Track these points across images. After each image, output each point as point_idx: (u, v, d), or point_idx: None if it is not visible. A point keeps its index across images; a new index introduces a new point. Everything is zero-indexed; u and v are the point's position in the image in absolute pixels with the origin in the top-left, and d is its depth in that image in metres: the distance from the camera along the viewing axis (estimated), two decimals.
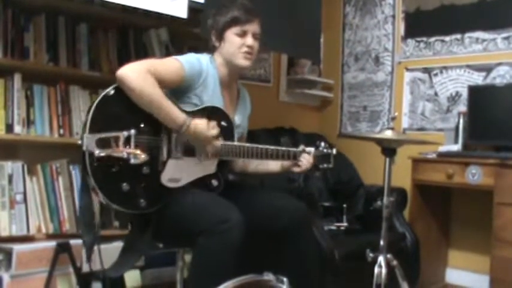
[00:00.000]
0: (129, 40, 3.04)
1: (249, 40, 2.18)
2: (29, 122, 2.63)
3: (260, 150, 2.20)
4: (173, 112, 1.98)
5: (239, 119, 2.32)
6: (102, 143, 1.86)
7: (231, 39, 2.17)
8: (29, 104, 2.64)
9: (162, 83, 2.00)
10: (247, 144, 2.21)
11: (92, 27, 2.88)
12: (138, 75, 1.92)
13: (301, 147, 2.31)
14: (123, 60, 2.82)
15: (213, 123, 2.07)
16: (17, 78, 2.58)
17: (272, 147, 2.24)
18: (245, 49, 2.17)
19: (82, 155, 1.87)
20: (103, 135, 1.87)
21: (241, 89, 2.40)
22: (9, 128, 2.56)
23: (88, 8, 2.76)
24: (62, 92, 2.75)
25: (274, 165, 2.35)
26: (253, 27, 2.19)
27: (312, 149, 2.33)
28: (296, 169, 2.30)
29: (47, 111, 2.70)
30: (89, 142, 1.85)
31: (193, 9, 2.85)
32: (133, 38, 3.05)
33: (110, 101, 1.94)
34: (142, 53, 3.04)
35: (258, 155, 2.20)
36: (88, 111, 1.92)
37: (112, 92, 1.95)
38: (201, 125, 2.02)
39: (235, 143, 2.18)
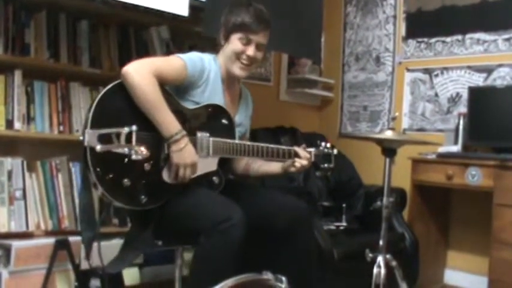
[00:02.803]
0: (130, 37, 3.03)
1: (251, 50, 2.16)
2: (29, 119, 2.63)
3: (260, 149, 2.20)
4: (170, 118, 1.96)
5: (240, 118, 2.32)
6: (104, 139, 1.86)
7: (234, 43, 2.16)
8: (29, 100, 2.64)
9: (165, 80, 2.01)
10: (248, 143, 2.21)
11: (92, 24, 2.88)
12: (142, 74, 1.92)
13: (303, 146, 2.32)
14: (124, 57, 2.84)
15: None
16: (18, 75, 2.58)
17: (272, 145, 2.24)
18: (244, 58, 2.16)
19: (83, 150, 1.86)
20: (104, 130, 1.86)
21: (243, 89, 2.40)
22: (9, 124, 2.56)
23: (89, 5, 2.76)
24: (63, 88, 2.75)
25: (275, 167, 2.35)
26: (259, 38, 2.17)
27: (312, 149, 2.34)
28: (292, 169, 2.29)
29: (47, 108, 2.70)
30: (90, 137, 1.84)
31: (194, 7, 2.85)
32: (134, 36, 3.05)
33: (111, 97, 1.94)
34: (143, 50, 3.04)
35: (257, 153, 2.20)
36: (90, 107, 1.91)
37: (114, 88, 1.95)
38: (191, 146, 2.01)
39: (236, 141, 2.19)
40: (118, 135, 1.88)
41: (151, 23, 3.06)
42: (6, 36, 2.56)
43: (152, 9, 2.72)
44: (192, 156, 2.00)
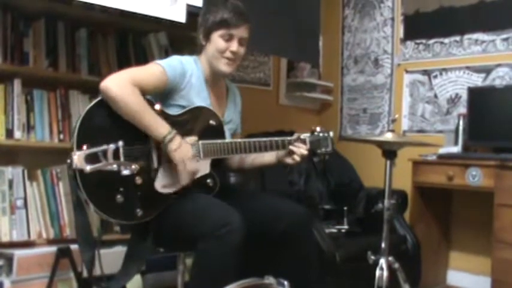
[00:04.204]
0: (128, 44, 3.04)
1: (234, 45, 2.15)
2: (29, 127, 2.64)
3: (252, 144, 2.17)
4: (157, 122, 1.96)
5: (229, 115, 2.32)
6: (91, 159, 1.86)
7: (216, 41, 2.15)
8: (29, 109, 2.64)
9: (146, 89, 2.00)
10: (238, 140, 2.19)
11: (91, 31, 2.89)
12: (120, 85, 1.92)
13: (296, 135, 2.26)
14: (123, 64, 2.84)
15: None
16: (17, 84, 2.58)
17: (264, 139, 2.20)
18: (228, 54, 2.16)
19: (73, 173, 1.86)
20: (91, 150, 1.86)
21: (229, 85, 2.39)
22: (10, 133, 2.56)
23: (87, 13, 2.76)
24: (62, 96, 2.75)
25: (269, 157, 2.31)
26: (241, 32, 2.17)
27: (307, 135, 2.27)
28: (289, 160, 2.25)
29: (47, 116, 2.70)
30: (77, 160, 1.83)
31: (191, 13, 2.85)
32: (132, 42, 3.05)
33: (94, 116, 1.93)
34: (142, 57, 3.04)
35: (249, 149, 2.17)
36: (73, 129, 1.91)
37: (96, 106, 1.94)
38: (188, 142, 2.02)
39: (226, 140, 2.17)
40: (105, 152, 1.88)
41: (149, 29, 3.07)
42: (5, 45, 2.57)
43: (150, 16, 2.72)
44: (190, 150, 2.02)
